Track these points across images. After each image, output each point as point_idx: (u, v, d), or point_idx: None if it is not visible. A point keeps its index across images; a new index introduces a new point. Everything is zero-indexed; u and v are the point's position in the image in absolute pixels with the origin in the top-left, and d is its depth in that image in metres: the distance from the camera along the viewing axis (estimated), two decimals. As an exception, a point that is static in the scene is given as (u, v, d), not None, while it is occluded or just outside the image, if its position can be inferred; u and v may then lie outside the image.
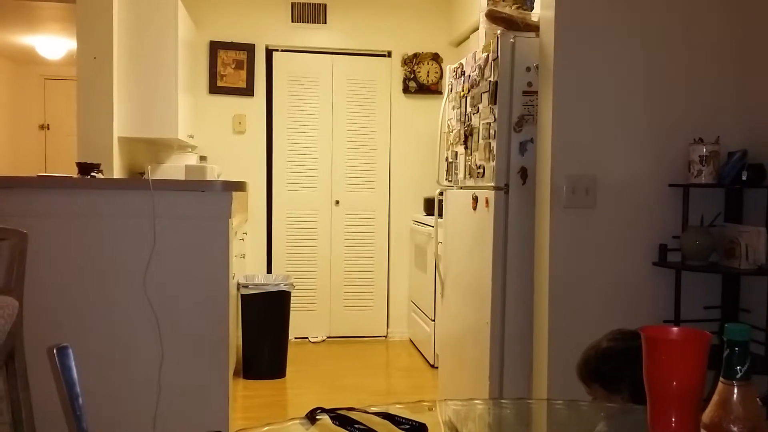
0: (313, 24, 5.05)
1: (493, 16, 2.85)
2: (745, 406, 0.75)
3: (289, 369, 4.18)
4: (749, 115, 2.40)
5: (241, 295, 4.03)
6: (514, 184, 2.70)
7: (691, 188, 2.38)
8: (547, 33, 2.39)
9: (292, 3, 5.02)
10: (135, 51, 3.96)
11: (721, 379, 0.78)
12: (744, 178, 2.25)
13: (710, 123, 2.40)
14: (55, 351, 1.16)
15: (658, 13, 2.39)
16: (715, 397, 0.78)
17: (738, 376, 0.76)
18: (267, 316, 4.06)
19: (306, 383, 4.02)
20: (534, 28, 2.68)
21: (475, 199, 2.94)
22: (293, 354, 4.45)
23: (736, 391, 0.76)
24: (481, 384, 2.83)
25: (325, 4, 5.05)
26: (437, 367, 3.92)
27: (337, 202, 5.11)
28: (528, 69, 2.67)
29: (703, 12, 2.41)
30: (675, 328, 0.98)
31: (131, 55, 3.94)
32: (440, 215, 3.66)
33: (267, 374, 4.05)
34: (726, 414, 0.76)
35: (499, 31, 2.73)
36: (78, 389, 1.18)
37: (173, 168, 4.15)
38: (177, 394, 2.56)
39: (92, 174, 2.80)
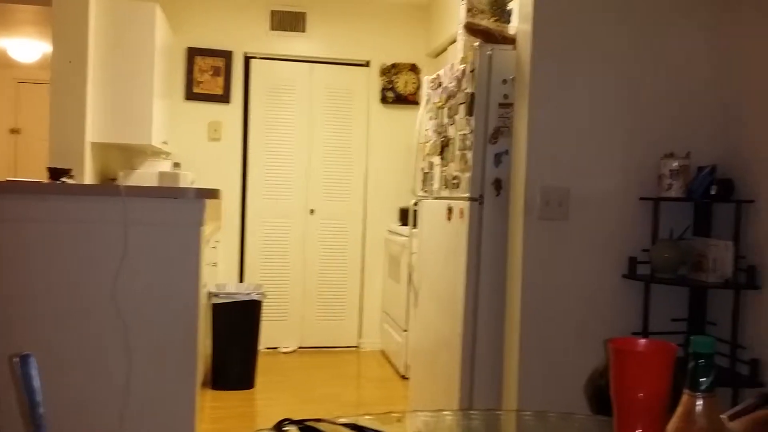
0: (292, 32, 5.05)
1: (471, 29, 2.87)
2: (709, 417, 0.76)
3: (259, 380, 4.14)
4: (719, 131, 2.45)
5: (212, 303, 3.98)
6: (488, 195, 2.71)
7: (662, 202, 2.41)
8: (524, 46, 2.42)
9: (271, 11, 5.02)
10: (111, 55, 3.92)
11: (685, 390, 0.78)
12: (713, 192, 2.29)
13: (681, 138, 2.44)
14: (16, 359, 1.13)
15: (633, 30, 2.42)
16: (679, 409, 0.78)
17: (702, 388, 0.77)
18: (237, 326, 4.02)
19: (275, 394, 3.98)
20: (511, 41, 2.70)
21: (450, 210, 2.95)
22: (263, 364, 4.41)
23: (699, 402, 0.76)
24: (451, 395, 2.83)
25: (305, 13, 5.06)
26: (408, 378, 3.91)
27: (312, 211, 5.09)
28: (504, 81, 2.70)
29: (676, 30, 2.45)
30: (642, 340, 0.98)
31: (107, 60, 3.90)
32: (415, 225, 3.67)
33: (236, 385, 4.00)
34: (689, 425, 0.76)
35: (476, 44, 2.75)
36: (39, 398, 1.15)
37: (146, 174, 4.10)
38: (144, 405, 2.51)
39: (63, 179, 2.76)
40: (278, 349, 4.99)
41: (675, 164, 2.33)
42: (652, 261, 2.38)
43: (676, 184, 2.33)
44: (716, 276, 2.27)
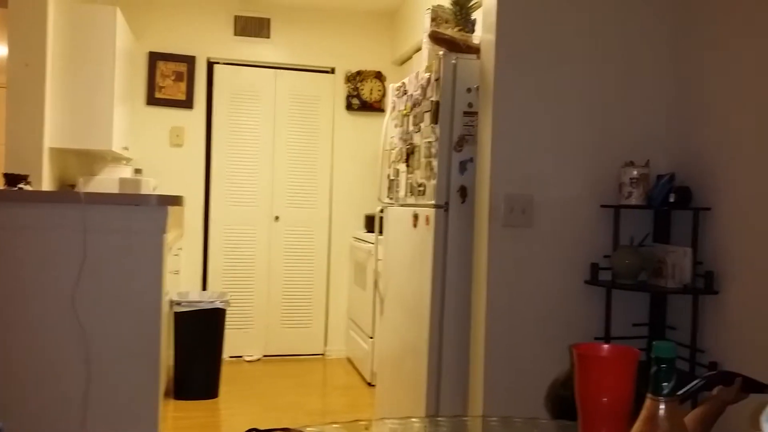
0: (256, 38, 5.02)
1: (435, 38, 2.89)
2: (671, 421, 0.78)
3: (223, 389, 4.08)
4: (677, 141, 2.51)
5: (174, 312, 3.92)
6: (453, 202, 2.73)
7: (622, 209, 2.46)
8: (488, 56, 2.44)
9: (235, 16, 4.98)
10: (70, 59, 3.83)
11: (648, 395, 0.80)
12: (671, 200, 2.35)
13: (641, 147, 2.49)
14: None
15: (595, 41, 2.47)
16: (642, 413, 0.80)
17: (664, 392, 0.78)
18: (201, 335, 3.96)
19: (240, 403, 3.93)
20: (475, 50, 2.73)
21: (416, 217, 2.96)
22: (227, 373, 4.35)
23: (662, 406, 0.78)
24: (418, 402, 2.83)
25: (269, 19, 5.03)
26: (375, 386, 3.90)
27: (277, 218, 5.05)
28: (469, 90, 2.72)
29: (638, 41, 2.51)
30: (605, 345, 1.00)
31: (66, 64, 3.82)
32: (381, 232, 3.67)
33: (199, 394, 3.94)
34: (653, 429, 0.78)
35: (441, 52, 2.78)
36: (-5, 411, 1.11)
37: (107, 181, 4.02)
38: (104, 416, 2.46)
39: (20, 186, 2.69)
40: (242, 358, 4.93)
41: (635, 173, 2.38)
42: (614, 267, 2.42)
43: (636, 192, 2.38)
44: (675, 281, 2.32)
